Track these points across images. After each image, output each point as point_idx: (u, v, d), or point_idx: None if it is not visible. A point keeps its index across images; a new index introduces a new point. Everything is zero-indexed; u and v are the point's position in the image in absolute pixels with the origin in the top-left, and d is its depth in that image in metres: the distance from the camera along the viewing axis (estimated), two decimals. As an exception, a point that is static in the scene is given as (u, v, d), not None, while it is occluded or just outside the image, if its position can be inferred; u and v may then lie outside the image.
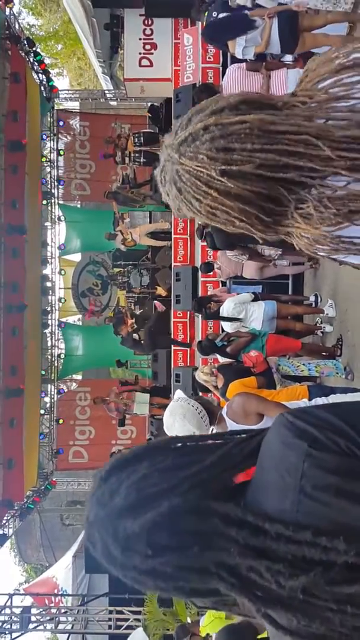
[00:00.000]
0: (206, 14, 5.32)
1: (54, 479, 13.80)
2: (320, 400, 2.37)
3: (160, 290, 11.60)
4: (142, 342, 10.70)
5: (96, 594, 9.38)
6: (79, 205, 15.42)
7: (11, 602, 9.22)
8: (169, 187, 1.04)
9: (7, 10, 11.20)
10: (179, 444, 0.84)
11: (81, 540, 11.31)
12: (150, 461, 0.79)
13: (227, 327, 5.85)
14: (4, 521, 11.60)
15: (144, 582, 0.77)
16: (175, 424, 2.33)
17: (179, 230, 9.40)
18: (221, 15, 4.75)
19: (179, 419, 2.32)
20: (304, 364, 5.20)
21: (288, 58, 5.17)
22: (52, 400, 14.19)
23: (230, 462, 0.79)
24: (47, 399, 14.10)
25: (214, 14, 5.14)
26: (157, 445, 0.84)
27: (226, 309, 5.77)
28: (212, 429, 2.34)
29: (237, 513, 0.74)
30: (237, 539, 0.72)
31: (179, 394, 2.53)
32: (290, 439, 0.74)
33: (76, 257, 15.76)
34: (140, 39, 10.40)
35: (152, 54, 10.23)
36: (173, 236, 9.53)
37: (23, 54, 11.79)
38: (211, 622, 4.02)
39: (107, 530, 0.76)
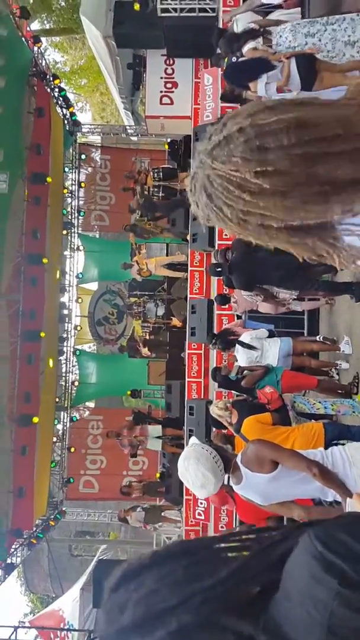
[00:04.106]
0: (226, 59, 5.50)
1: (63, 509, 13.67)
2: (336, 450, 2.34)
3: (175, 321, 11.67)
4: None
5: (103, 630, 9.16)
6: (97, 236, 15.68)
7: (15, 635, 9.05)
8: (199, 194, 1.00)
9: (35, 48, 11.64)
10: (190, 553, 0.77)
11: (89, 572, 11.13)
12: (159, 572, 0.73)
13: (242, 360, 5.84)
14: (12, 550, 11.48)
15: None
16: (189, 468, 2.28)
17: (195, 262, 9.51)
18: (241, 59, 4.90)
19: (193, 462, 2.27)
20: (319, 402, 5.16)
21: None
22: (65, 428, 14.17)
23: (247, 575, 0.73)
24: (59, 427, 14.09)
25: (234, 59, 5.31)
26: (167, 554, 0.77)
27: (243, 339, 5.79)
28: (227, 477, 2.30)
29: (251, 632, 0.69)
30: None
31: (193, 440, 2.51)
32: (319, 573, 0.69)
33: (93, 286, 15.96)
34: (161, 78, 10.74)
35: (172, 92, 10.54)
36: (189, 268, 9.64)
37: (48, 90, 12.20)
38: None
39: None
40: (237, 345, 5.76)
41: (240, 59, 5.13)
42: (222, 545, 0.78)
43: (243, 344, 5.70)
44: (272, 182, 0.92)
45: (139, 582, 0.72)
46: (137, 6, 9.81)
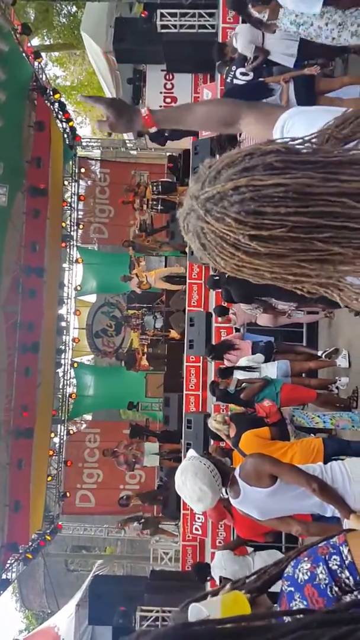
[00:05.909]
0: (227, 68, 5.56)
1: (59, 523, 13.53)
2: (335, 465, 2.31)
3: (174, 334, 11.65)
4: None
5: (99, 648, 9.04)
6: (96, 248, 15.73)
7: (11, 653, 8.90)
8: (191, 237, 0.99)
9: (36, 64, 11.76)
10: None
11: (85, 588, 10.98)
12: None
13: (240, 375, 5.81)
14: (7, 565, 11.33)
15: None
16: (187, 482, 2.24)
17: (194, 275, 9.52)
18: (238, 81, 4.94)
19: (190, 477, 2.24)
20: (318, 416, 5.13)
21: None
22: (61, 441, 14.07)
23: None
24: (56, 440, 13.98)
25: (234, 67, 5.37)
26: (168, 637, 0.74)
27: (240, 364, 5.77)
28: (225, 490, 2.27)
29: None
30: None
31: (191, 452, 2.48)
32: None
33: (91, 298, 15.96)
34: (161, 93, 10.83)
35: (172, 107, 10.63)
36: (188, 281, 9.64)
37: (48, 104, 12.30)
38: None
39: None
40: (234, 372, 5.73)
41: (239, 82, 5.17)
42: (227, 632, 0.74)
43: (239, 368, 5.70)
44: (267, 246, 0.91)
45: None
46: (141, 10, 9.94)
